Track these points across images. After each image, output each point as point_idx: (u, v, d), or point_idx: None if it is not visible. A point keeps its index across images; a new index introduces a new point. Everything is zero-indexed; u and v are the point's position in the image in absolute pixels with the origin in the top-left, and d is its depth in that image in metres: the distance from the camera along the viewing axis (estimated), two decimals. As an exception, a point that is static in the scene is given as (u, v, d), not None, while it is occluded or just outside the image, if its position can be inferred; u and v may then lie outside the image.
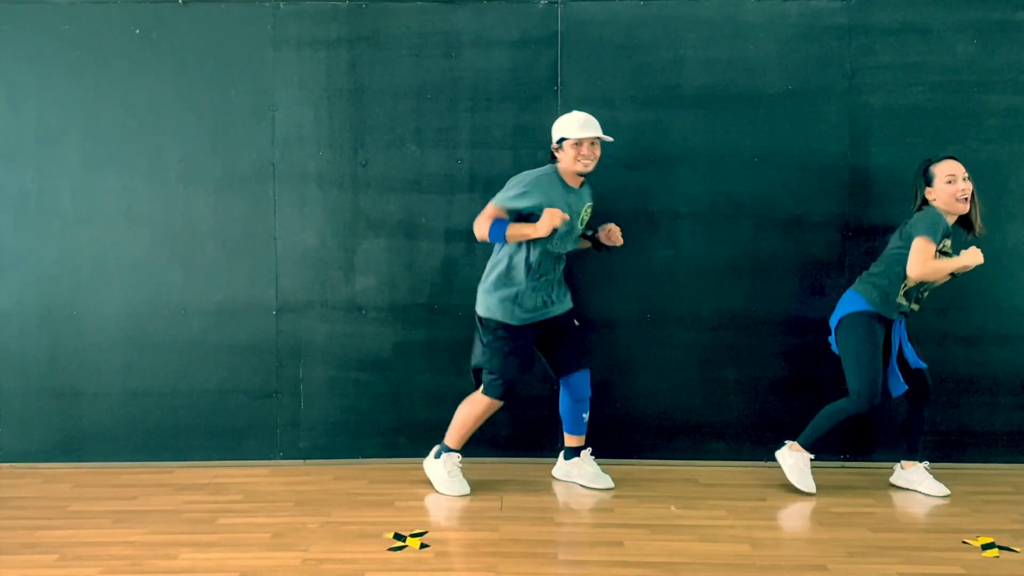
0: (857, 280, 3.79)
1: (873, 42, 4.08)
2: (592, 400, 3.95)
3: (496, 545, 3.19)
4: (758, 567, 3.01)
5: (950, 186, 3.60)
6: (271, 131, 4.14)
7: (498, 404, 3.73)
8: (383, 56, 4.12)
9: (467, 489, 3.74)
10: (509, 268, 3.68)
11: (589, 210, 3.79)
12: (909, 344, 3.82)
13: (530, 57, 4.11)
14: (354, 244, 4.16)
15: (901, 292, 3.67)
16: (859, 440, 4.17)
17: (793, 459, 3.80)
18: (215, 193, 4.14)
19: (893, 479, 3.88)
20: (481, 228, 3.61)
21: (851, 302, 3.73)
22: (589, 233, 3.87)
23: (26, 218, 4.14)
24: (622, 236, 3.82)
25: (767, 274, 4.13)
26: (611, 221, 3.86)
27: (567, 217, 3.54)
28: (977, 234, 3.69)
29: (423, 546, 3.18)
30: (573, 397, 3.83)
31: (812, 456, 3.80)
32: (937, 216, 3.59)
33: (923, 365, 3.80)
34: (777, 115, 4.09)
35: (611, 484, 3.83)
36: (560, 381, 3.86)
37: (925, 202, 3.69)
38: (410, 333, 4.17)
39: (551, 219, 3.48)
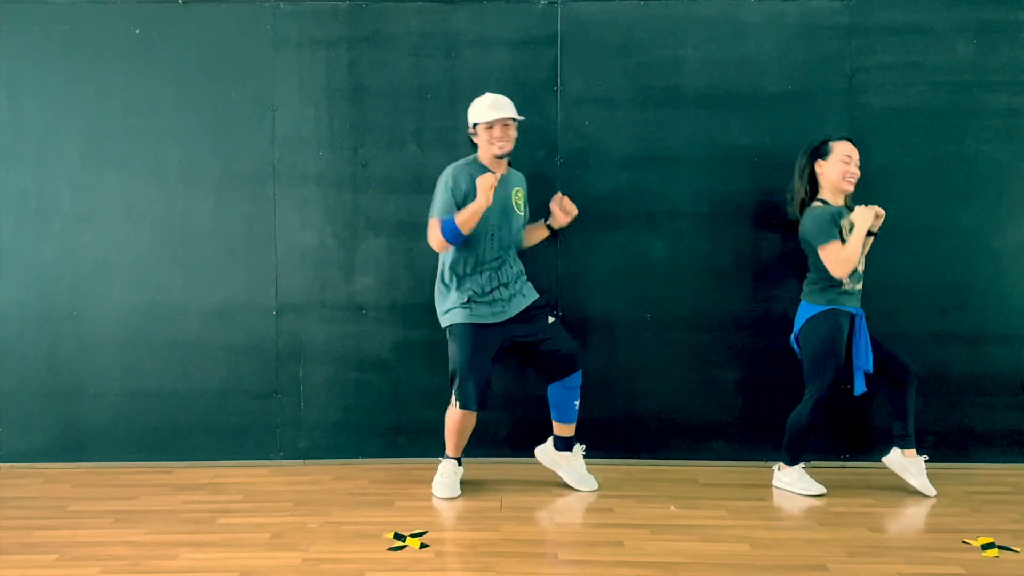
0: (803, 291, 3.81)
1: (873, 42, 4.08)
2: (592, 400, 3.95)
3: (496, 545, 3.19)
4: (758, 567, 3.01)
5: (844, 165, 3.69)
6: (271, 131, 4.14)
7: (471, 413, 3.70)
8: (383, 56, 4.12)
9: (455, 492, 3.71)
10: (455, 263, 3.66)
11: (521, 193, 3.78)
12: (877, 341, 3.77)
13: (530, 57, 4.11)
14: (354, 244, 4.16)
15: (846, 279, 3.69)
16: (859, 440, 4.17)
17: (788, 476, 3.81)
18: (215, 193, 4.15)
19: (887, 459, 3.82)
20: (435, 237, 3.62)
21: (807, 310, 3.77)
22: (541, 221, 3.89)
23: (26, 218, 4.14)
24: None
25: (767, 274, 4.13)
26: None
27: (496, 179, 3.52)
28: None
29: (423, 546, 3.18)
30: (564, 385, 3.78)
31: (803, 464, 3.81)
32: (823, 215, 3.66)
33: (903, 357, 3.77)
34: (777, 115, 4.09)
35: (595, 486, 3.81)
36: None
37: (812, 176, 3.76)
38: (410, 333, 4.17)
39: (486, 184, 3.48)
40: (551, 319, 3.83)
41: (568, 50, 4.11)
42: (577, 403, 3.81)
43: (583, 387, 3.85)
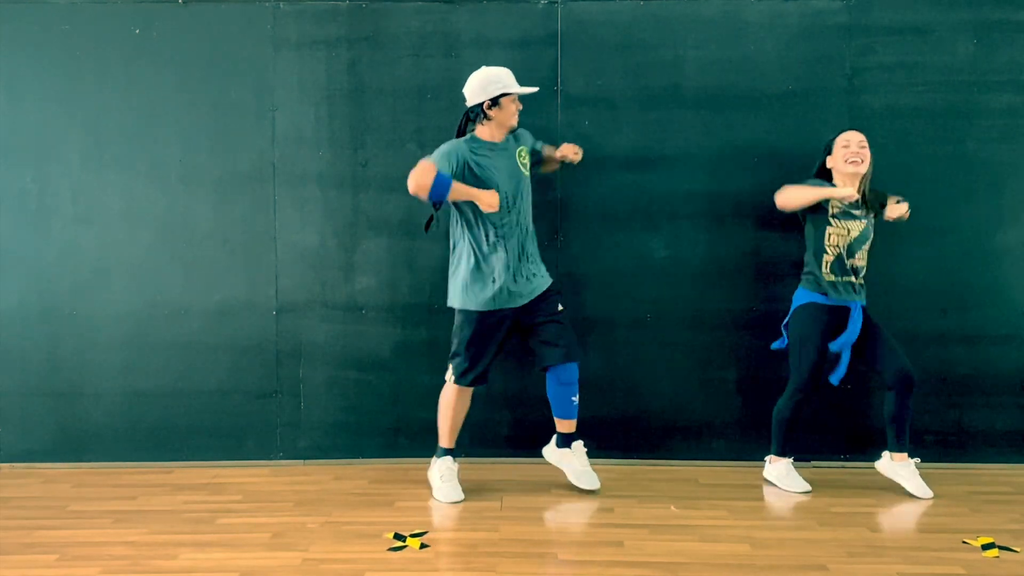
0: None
1: (873, 42, 4.08)
2: (592, 400, 3.93)
3: (496, 545, 3.19)
4: (758, 567, 3.01)
5: (844, 150, 3.76)
6: (271, 131, 4.14)
7: (467, 391, 3.73)
8: (383, 56, 4.12)
9: (459, 496, 3.67)
10: (478, 240, 3.63)
11: (526, 152, 3.77)
12: (884, 339, 3.74)
13: (530, 57, 4.11)
14: (354, 244, 4.17)
15: (825, 268, 3.73)
16: (859, 440, 4.17)
17: (776, 470, 3.84)
18: (215, 193, 4.15)
19: (878, 464, 3.83)
20: (423, 180, 3.41)
21: (796, 299, 3.83)
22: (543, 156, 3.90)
23: (26, 218, 4.14)
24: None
25: (767, 274, 4.13)
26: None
27: (495, 207, 3.55)
28: (887, 215, 3.79)
29: (423, 546, 3.18)
30: (559, 380, 3.71)
31: (792, 458, 3.84)
32: (812, 180, 3.80)
33: (904, 363, 3.75)
34: (777, 115, 4.09)
35: (597, 485, 3.77)
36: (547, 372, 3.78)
37: (822, 174, 3.85)
38: (410, 333, 4.17)
39: (490, 201, 3.52)
40: (560, 307, 3.76)
41: (568, 50, 4.11)
42: (575, 399, 3.75)
43: (584, 387, 3.85)
